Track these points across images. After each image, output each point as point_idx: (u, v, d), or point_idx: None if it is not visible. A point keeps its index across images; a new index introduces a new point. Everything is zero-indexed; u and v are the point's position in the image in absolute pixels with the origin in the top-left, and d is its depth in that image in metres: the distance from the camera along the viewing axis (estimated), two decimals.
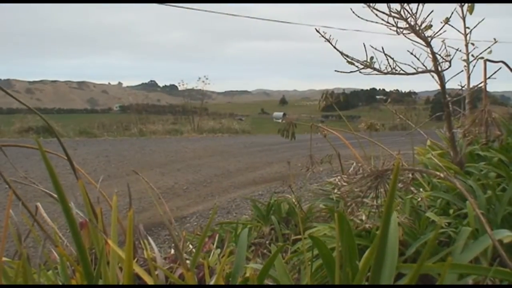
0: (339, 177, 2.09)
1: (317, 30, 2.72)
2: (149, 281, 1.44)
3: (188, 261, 1.67)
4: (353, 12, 2.66)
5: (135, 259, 1.79)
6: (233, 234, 3.27)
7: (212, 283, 1.47)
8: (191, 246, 2.33)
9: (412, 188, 2.13)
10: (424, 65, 2.64)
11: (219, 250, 2.28)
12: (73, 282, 1.38)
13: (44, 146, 1.35)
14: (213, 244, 2.35)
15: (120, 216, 1.75)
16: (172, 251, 2.08)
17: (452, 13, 2.82)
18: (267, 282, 1.74)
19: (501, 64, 2.98)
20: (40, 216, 1.94)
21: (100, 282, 1.44)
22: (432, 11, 2.52)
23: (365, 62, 2.62)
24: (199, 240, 1.75)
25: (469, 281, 1.52)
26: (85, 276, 1.34)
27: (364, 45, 2.58)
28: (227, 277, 1.68)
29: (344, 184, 1.97)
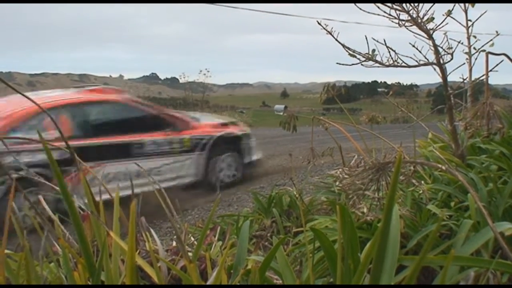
0: (340, 170, 2.09)
1: (318, 23, 2.72)
2: (151, 272, 1.45)
3: (190, 253, 1.68)
4: (355, 4, 2.66)
5: (137, 251, 1.80)
6: (235, 227, 3.27)
7: (214, 275, 1.48)
8: (192, 239, 2.34)
9: (413, 181, 2.13)
10: (426, 58, 2.64)
11: (220, 243, 2.28)
12: (75, 274, 1.39)
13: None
14: (215, 237, 2.36)
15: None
16: (174, 243, 2.08)
17: (454, 5, 2.81)
18: (269, 274, 1.74)
19: (503, 57, 2.97)
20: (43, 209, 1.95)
21: (102, 274, 1.44)
22: (434, 3, 2.52)
23: (367, 55, 2.62)
24: (201, 232, 1.76)
25: (471, 273, 1.52)
26: (87, 268, 1.35)
27: (366, 38, 2.58)
28: (228, 269, 1.68)
29: (346, 176, 1.98)
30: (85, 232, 1.64)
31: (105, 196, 1.86)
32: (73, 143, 6.96)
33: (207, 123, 9.86)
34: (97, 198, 1.82)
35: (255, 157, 10.26)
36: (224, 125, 10.16)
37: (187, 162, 9.11)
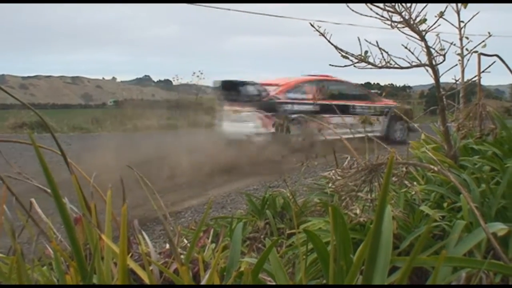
0: (333, 171, 2.09)
1: (311, 25, 2.72)
2: (143, 275, 1.44)
3: (183, 256, 1.67)
4: (348, 6, 2.66)
5: (130, 254, 1.79)
6: (228, 229, 3.27)
7: (206, 277, 1.47)
8: (186, 241, 2.33)
9: (406, 182, 2.14)
10: (418, 59, 2.64)
11: (214, 245, 2.28)
12: (68, 278, 1.38)
13: (38, 142, 1.35)
14: (208, 239, 2.35)
15: (115, 211, 1.75)
16: (167, 246, 2.08)
17: (447, 7, 2.82)
18: (262, 276, 1.74)
19: (495, 58, 2.98)
20: (35, 212, 1.94)
21: (95, 277, 1.44)
22: (427, 5, 2.52)
23: (359, 56, 2.62)
24: (193, 234, 1.75)
25: (463, 274, 1.53)
26: (79, 271, 1.34)
27: (359, 39, 2.58)
28: (222, 272, 1.68)
29: (339, 178, 1.98)
30: (77, 235, 1.64)
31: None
32: (321, 102, 13.54)
33: (388, 99, 16.02)
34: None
35: (414, 124, 15.70)
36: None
37: (376, 122, 14.72)
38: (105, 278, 1.46)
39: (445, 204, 2.36)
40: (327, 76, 15.14)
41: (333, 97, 14.47)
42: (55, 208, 1.33)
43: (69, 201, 1.81)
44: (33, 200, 1.98)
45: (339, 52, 2.65)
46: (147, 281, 1.43)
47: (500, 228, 1.67)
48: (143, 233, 1.89)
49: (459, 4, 3.11)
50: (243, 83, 14.03)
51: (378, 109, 15.52)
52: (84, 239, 1.77)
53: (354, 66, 2.67)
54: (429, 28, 2.59)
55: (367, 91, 16.30)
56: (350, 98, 15.11)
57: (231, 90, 14.10)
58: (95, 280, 1.45)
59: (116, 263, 1.43)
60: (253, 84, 14.13)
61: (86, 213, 1.70)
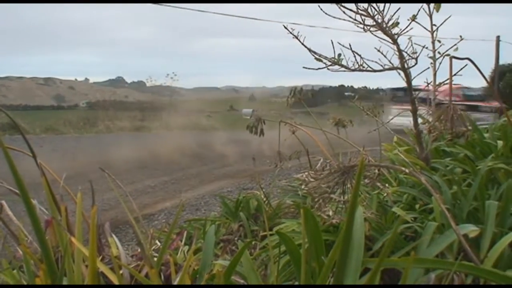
0: (306, 173, 2.09)
1: (285, 27, 2.72)
2: (114, 279, 1.43)
3: (155, 259, 1.66)
4: (321, 9, 2.66)
5: (101, 257, 1.77)
6: (202, 231, 3.25)
7: (177, 280, 1.46)
8: (159, 243, 2.32)
9: (378, 184, 2.15)
10: (391, 62, 2.65)
11: (187, 247, 2.26)
12: (37, 280, 1.36)
13: (9, 143, 1.33)
14: (181, 241, 2.34)
15: (87, 214, 1.73)
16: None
17: (419, 10, 2.84)
18: (235, 278, 1.73)
19: (467, 61, 3.01)
20: (6, 215, 1.92)
21: (65, 280, 1.42)
22: (399, 8, 2.54)
23: (333, 59, 2.62)
24: (165, 237, 1.74)
25: (432, 275, 1.53)
26: (48, 274, 1.32)
27: (332, 42, 2.59)
28: (194, 274, 1.67)
29: (312, 180, 1.98)
30: (48, 237, 1.62)
31: None
32: (463, 103, 18.59)
33: (495, 101, 19.28)
34: None
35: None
36: None
37: (491, 116, 17.75)
38: (75, 281, 1.44)
39: (417, 206, 2.38)
40: (461, 84, 19.94)
41: (468, 99, 20.56)
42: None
43: (42, 202, 1.79)
44: (3, 202, 1.96)
45: (313, 55, 2.66)
46: (117, 283, 1.42)
47: (471, 229, 1.68)
48: (114, 236, 1.87)
49: (432, 8, 3.14)
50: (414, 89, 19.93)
51: (490, 108, 20.11)
52: (56, 242, 1.75)
53: (328, 69, 2.67)
54: (401, 32, 2.61)
55: (485, 94, 22.13)
56: (476, 100, 21.19)
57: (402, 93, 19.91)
58: (65, 283, 1.43)
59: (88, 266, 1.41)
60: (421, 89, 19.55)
61: (56, 216, 1.68)
